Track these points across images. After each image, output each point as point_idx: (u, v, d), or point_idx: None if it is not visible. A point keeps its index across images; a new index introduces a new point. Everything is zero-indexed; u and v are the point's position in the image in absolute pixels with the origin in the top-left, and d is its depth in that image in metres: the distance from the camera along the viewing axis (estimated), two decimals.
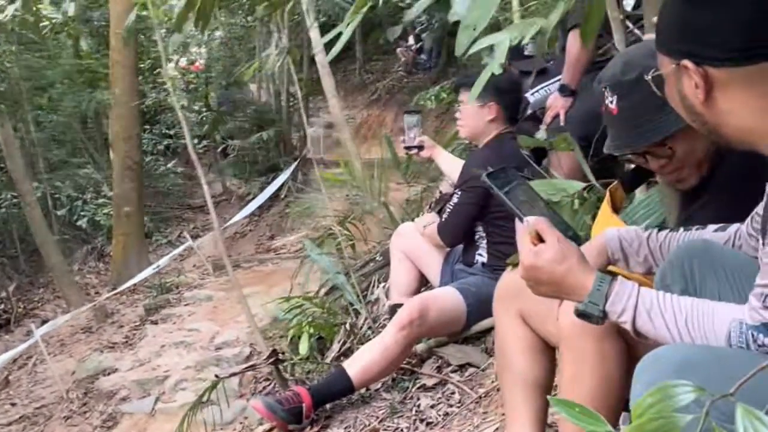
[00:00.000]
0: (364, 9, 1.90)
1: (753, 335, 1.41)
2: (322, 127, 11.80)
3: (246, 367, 4.00)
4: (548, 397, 2.04)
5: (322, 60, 5.68)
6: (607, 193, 2.34)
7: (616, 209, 2.36)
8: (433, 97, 8.89)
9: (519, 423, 2.26)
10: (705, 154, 2.05)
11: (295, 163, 9.60)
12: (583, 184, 3.19)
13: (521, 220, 1.69)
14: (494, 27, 1.62)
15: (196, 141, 9.49)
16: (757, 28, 1.41)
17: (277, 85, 10.63)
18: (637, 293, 1.55)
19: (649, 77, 1.63)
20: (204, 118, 10.94)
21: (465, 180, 3.77)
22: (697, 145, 2.03)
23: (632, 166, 2.55)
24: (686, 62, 1.48)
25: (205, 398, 3.90)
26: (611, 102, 2.06)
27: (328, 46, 2.06)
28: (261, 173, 10.04)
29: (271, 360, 3.88)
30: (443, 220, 3.86)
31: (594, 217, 2.96)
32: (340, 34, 1.95)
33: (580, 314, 1.61)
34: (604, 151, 2.18)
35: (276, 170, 9.80)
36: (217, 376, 3.94)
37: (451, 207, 3.81)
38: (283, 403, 3.44)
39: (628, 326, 1.55)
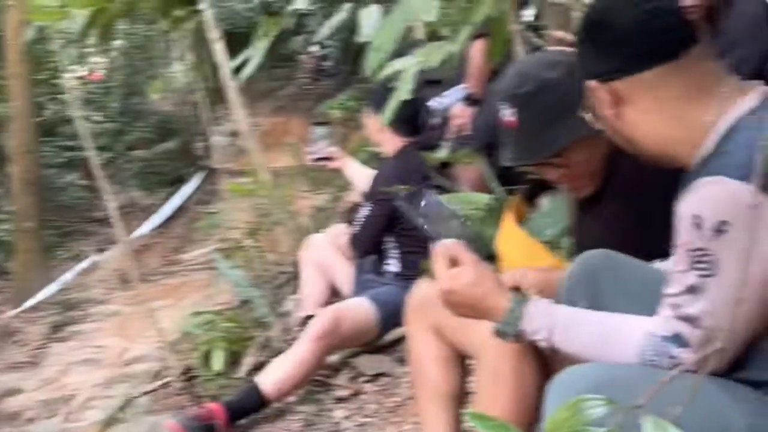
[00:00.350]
0: (274, 33, 1.91)
1: (665, 347, 1.46)
2: (227, 136, 11.68)
3: (158, 386, 3.95)
4: (464, 411, 2.07)
5: (226, 73, 5.64)
6: (510, 205, 2.38)
7: (519, 221, 2.40)
8: (338, 106, 8.92)
9: None
10: (600, 164, 2.10)
11: (201, 173, 9.50)
12: (489, 196, 3.26)
13: (436, 242, 1.71)
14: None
15: (97, 152, 9.27)
16: (644, 32, 1.48)
17: (180, 94, 10.50)
18: (551, 311, 1.59)
19: (587, 115, 1.68)
20: (105, 129, 10.72)
21: (374, 192, 3.79)
22: (593, 155, 2.08)
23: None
24: (591, 82, 1.54)
25: (116, 417, 3.84)
26: (508, 115, 2.09)
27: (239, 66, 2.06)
28: (166, 184, 9.90)
29: (183, 377, 3.84)
30: (354, 232, 3.89)
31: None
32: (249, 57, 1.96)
33: (498, 334, 1.64)
34: (501, 163, 2.21)
35: (181, 181, 9.68)
36: (128, 395, 3.88)
37: (361, 219, 3.84)
38: (197, 420, 3.41)
39: (544, 344, 1.59)
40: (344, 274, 4.06)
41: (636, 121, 1.55)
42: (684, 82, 1.49)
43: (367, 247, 3.91)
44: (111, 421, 3.95)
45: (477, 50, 4.22)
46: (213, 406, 3.48)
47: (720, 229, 1.35)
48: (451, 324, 2.15)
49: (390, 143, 3.95)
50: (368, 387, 3.61)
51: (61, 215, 10.56)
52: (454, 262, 1.70)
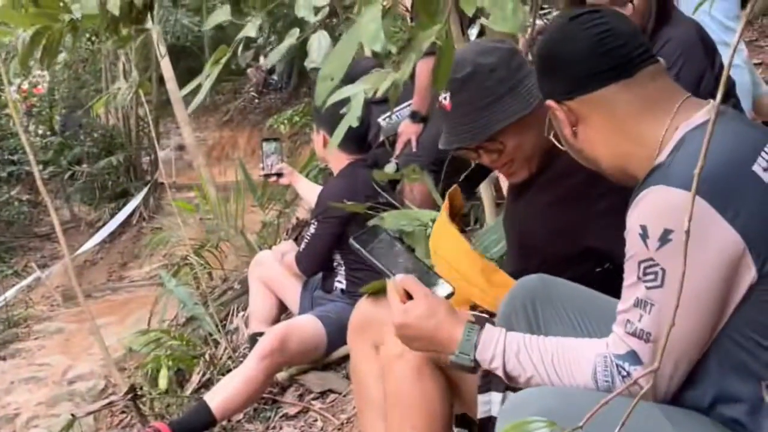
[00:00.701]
0: (224, 59, 1.92)
1: (618, 367, 1.47)
2: (173, 150, 11.62)
3: (103, 405, 3.90)
4: None
5: (173, 88, 5.63)
6: (446, 199, 2.39)
7: (454, 214, 2.41)
8: (286, 120, 8.93)
9: None
10: (534, 150, 2.13)
11: (147, 187, 9.41)
12: (436, 213, 3.29)
13: (389, 277, 1.73)
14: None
15: (41, 167, 9.15)
16: (596, 52, 1.54)
17: (126, 108, 10.40)
18: (504, 338, 1.60)
19: (549, 135, 1.71)
20: (49, 143, 10.59)
21: (321, 210, 3.80)
22: (526, 140, 2.11)
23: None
24: (549, 102, 1.60)
25: None
26: (445, 99, 2.12)
27: (190, 95, 2.07)
28: (111, 199, 9.79)
29: (129, 396, 3.80)
30: (301, 250, 3.89)
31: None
32: (200, 85, 1.96)
33: (454, 365, 1.65)
34: (439, 146, 2.23)
35: (127, 195, 9.58)
36: (73, 414, 3.83)
37: (308, 237, 3.84)
38: None
39: (500, 372, 1.60)
40: (292, 290, 4.06)
41: (593, 139, 1.59)
42: (637, 99, 1.53)
43: (313, 266, 3.91)
44: None
45: (423, 69, 4.26)
46: (159, 425, 3.44)
47: (665, 237, 1.37)
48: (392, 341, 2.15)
49: (336, 161, 3.97)
50: (316, 404, 3.60)
51: (3, 230, 10.40)
52: (407, 296, 1.71)
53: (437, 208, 3.77)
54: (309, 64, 1.95)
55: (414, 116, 4.31)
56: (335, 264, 3.90)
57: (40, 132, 11.33)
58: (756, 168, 1.41)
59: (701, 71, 2.78)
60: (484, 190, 3.31)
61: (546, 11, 4.05)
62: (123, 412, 4.55)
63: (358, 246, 1.80)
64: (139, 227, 9.46)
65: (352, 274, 3.84)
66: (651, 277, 1.40)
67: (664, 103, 1.52)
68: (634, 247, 1.43)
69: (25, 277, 9.08)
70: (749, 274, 1.37)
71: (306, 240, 3.86)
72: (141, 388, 4.10)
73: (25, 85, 11.72)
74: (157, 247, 6.30)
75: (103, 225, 9.03)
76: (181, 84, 6.82)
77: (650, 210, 1.40)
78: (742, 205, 1.36)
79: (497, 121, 2.07)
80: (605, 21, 1.57)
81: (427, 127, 4.35)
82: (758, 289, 1.37)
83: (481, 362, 1.61)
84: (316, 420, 3.50)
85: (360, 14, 1.75)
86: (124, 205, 9.10)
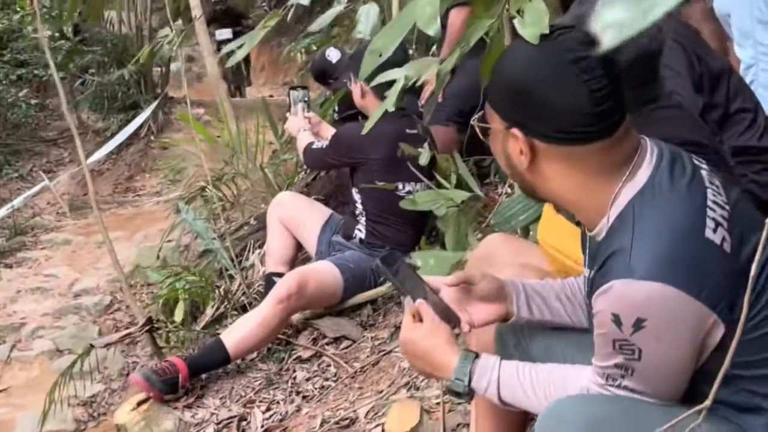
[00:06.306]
0: (273, 23, 1.96)
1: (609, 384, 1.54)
2: (183, 61, 11.48)
3: (122, 336, 3.95)
4: None
5: (199, 16, 5.58)
6: None
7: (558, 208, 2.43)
8: (303, 49, 8.82)
9: None
10: None
11: (157, 101, 9.33)
12: (468, 194, 3.31)
13: (413, 301, 1.80)
14: None
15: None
16: (589, 114, 1.47)
17: (139, 19, 10.25)
18: (498, 367, 1.67)
19: (474, 123, 1.69)
20: (59, 47, 10.42)
21: (339, 143, 3.91)
22: None
23: None
24: (516, 131, 1.55)
25: (76, 366, 3.83)
26: None
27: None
28: (120, 110, 9.68)
29: (146, 327, 3.87)
30: (312, 147, 4.03)
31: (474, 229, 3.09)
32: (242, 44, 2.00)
33: (449, 391, 1.72)
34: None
35: (136, 107, 9.46)
36: (91, 344, 3.89)
37: (322, 147, 3.98)
38: (159, 373, 3.45)
39: (494, 399, 1.67)
40: (311, 231, 4.09)
41: (545, 176, 1.57)
42: (606, 159, 1.52)
43: (314, 168, 4.05)
44: (72, 367, 3.93)
45: (456, 19, 4.23)
46: (176, 359, 3.52)
47: (638, 325, 1.43)
48: None
49: (373, 108, 3.96)
50: (330, 349, 3.66)
51: (9, 133, 10.30)
52: (419, 318, 1.78)
53: (460, 153, 3.81)
54: (356, 34, 1.97)
55: None
56: (357, 212, 3.93)
57: (47, 34, 11.14)
58: (708, 233, 1.44)
59: None
60: None
61: None
62: (126, 327, 4.61)
63: (385, 271, 1.86)
64: (147, 140, 9.42)
65: (372, 226, 3.88)
66: (629, 352, 1.47)
67: (624, 164, 1.52)
68: (606, 327, 1.48)
69: (30, 181, 9.07)
70: (719, 331, 1.44)
71: (320, 146, 3.98)
72: (157, 320, 4.15)
73: None
74: (166, 160, 6.26)
75: (111, 135, 8.94)
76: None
77: (621, 302, 1.44)
78: (706, 277, 1.41)
79: None
80: (605, 79, 1.47)
81: (454, 78, 4.33)
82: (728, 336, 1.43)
83: (476, 389, 1.68)
84: (329, 365, 3.57)
85: None
86: (134, 117, 9.00)
